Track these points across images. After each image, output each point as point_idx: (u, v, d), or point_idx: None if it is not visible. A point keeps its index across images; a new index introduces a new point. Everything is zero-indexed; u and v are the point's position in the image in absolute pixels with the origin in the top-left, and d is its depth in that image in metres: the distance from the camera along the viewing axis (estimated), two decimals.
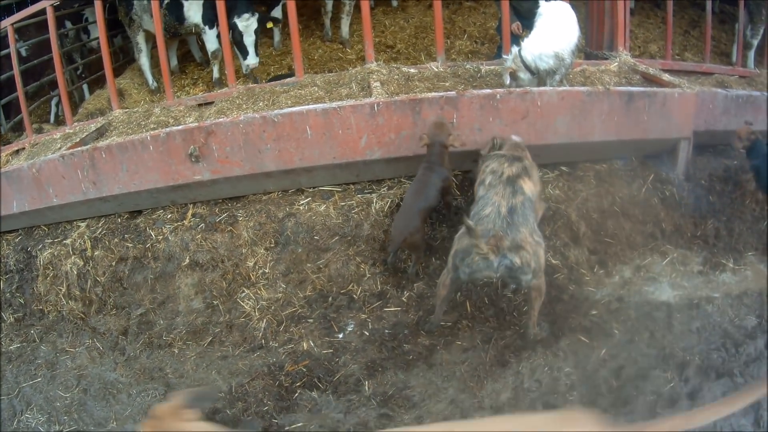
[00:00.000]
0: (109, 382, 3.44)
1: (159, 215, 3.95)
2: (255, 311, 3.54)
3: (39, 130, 5.13)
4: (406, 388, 3.03)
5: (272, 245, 3.69)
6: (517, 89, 3.70)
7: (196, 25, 5.44)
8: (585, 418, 1.63)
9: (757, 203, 4.09)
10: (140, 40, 5.67)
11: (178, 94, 5.34)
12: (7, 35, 4.82)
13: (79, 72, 6.54)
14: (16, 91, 4.92)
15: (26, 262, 4.18)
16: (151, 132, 3.79)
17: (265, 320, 3.49)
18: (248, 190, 3.89)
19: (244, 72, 5.27)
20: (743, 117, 4.21)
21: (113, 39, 6.66)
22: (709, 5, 5.29)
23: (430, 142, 3.44)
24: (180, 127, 3.74)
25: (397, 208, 3.67)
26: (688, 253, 3.79)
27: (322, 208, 3.73)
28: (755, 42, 5.68)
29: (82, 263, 3.93)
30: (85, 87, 6.46)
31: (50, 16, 4.57)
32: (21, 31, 5.19)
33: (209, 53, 5.52)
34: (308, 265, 3.63)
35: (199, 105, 4.49)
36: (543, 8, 3.93)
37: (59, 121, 6.00)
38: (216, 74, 5.54)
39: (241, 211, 3.81)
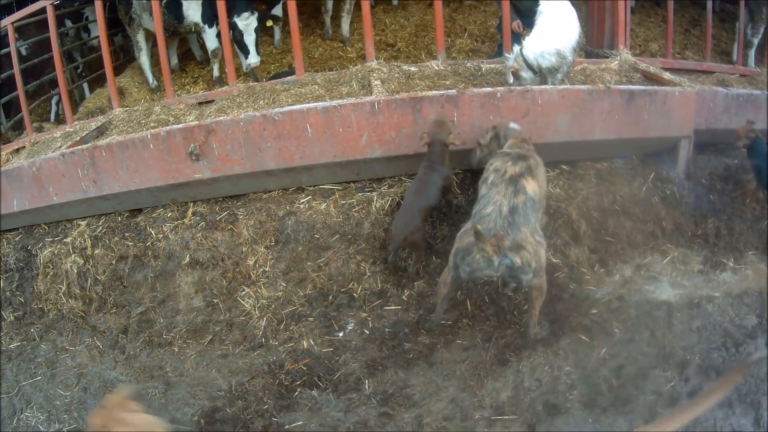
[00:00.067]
0: (109, 381, 3.44)
1: (159, 214, 3.94)
2: (255, 310, 3.54)
3: (39, 129, 5.12)
4: (407, 387, 3.03)
5: (273, 244, 3.69)
6: (518, 87, 3.69)
7: (196, 24, 5.43)
8: None
9: (758, 202, 4.09)
10: (140, 38, 5.67)
11: (179, 92, 5.34)
12: (7, 34, 4.82)
13: (79, 71, 6.53)
14: (17, 89, 4.92)
15: (26, 261, 4.17)
16: (152, 130, 3.79)
17: (265, 319, 3.49)
18: (249, 188, 3.89)
19: (245, 71, 5.26)
20: (744, 116, 4.21)
21: (113, 38, 6.65)
22: (709, 4, 5.29)
23: (430, 141, 3.44)
24: (180, 126, 3.73)
25: (397, 206, 3.67)
26: (689, 252, 3.79)
27: (323, 206, 3.73)
28: (756, 41, 5.68)
29: (83, 262, 3.93)
30: (85, 86, 6.46)
31: (50, 15, 4.57)
32: (21, 30, 5.19)
33: (209, 52, 5.51)
34: (308, 263, 3.63)
35: (200, 103, 4.49)
36: (543, 6, 3.93)
37: (59, 120, 6.00)
38: (216, 73, 5.53)
39: (241, 210, 3.80)
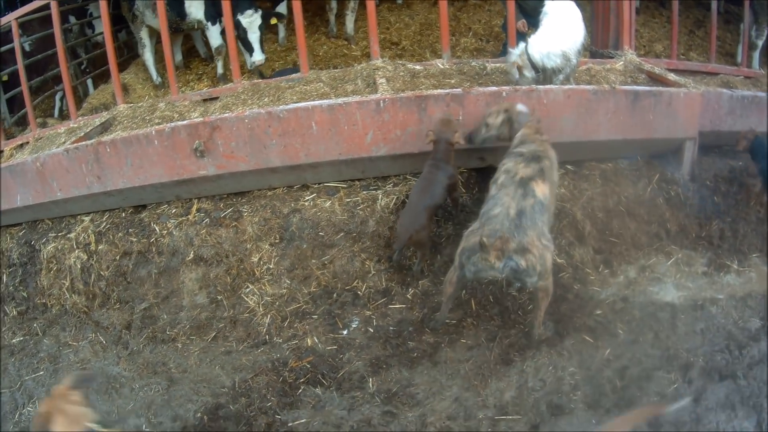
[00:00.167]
0: (111, 377, 3.43)
1: (163, 210, 3.94)
2: (259, 307, 3.54)
3: (43, 125, 5.12)
4: (410, 386, 3.02)
5: (277, 241, 3.68)
6: (523, 87, 3.69)
7: (199, 22, 5.42)
8: None
9: (762, 205, 4.09)
10: (144, 35, 5.67)
11: (183, 89, 5.33)
12: (10, 30, 4.82)
13: (83, 67, 6.53)
14: (20, 85, 4.91)
15: (30, 256, 4.17)
16: (156, 127, 3.78)
17: (269, 316, 3.49)
18: (253, 185, 3.88)
19: (249, 68, 5.25)
20: (748, 118, 4.22)
21: (117, 34, 6.65)
22: (714, 5, 5.29)
23: (436, 139, 3.43)
24: (185, 122, 3.73)
25: (402, 204, 3.66)
26: (693, 254, 3.79)
27: (327, 204, 3.72)
28: (760, 43, 5.68)
29: (86, 257, 3.92)
30: (89, 82, 6.45)
31: (54, 11, 4.56)
32: (24, 26, 5.18)
33: (213, 49, 5.51)
34: (313, 261, 3.62)
35: (204, 100, 4.48)
36: (549, 7, 3.92)
37: (63, 116, 6.00)
38: (220, 70, 5.53)
39: (245, 207, 3.80)
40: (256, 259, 3.65)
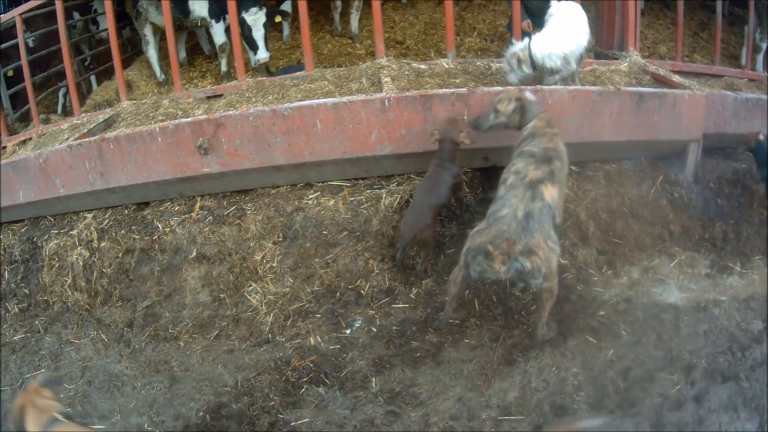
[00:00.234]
0: (113, 375, 3.43)
1: (166, 207, 3.94)
2: (262, 305, 3.53)
3: (46, 121, 5.12)
4: (414, 386, 3.02)
5: (280, 239, 3.68)
6: (528, 87, 3.68)
7: (203, 19, 5.41)
8: None
9: (765, 208, 4.08)
10: (147, 32, 5.65)
11: (187, 86, 5.32)
12: (14, 26, 4.81)
13: (86, 63, 6.51)
14: (23, 81, 4.90)
15: (31, 253, 4.17)
16: (160, 124, 3.78)
17: (272, 314, 3.48)
18: (257, 183, 3.88)
19: (253, 66, 5.24)
20: (752, 120, 4.21)
21: (121, 31, 6.63)
22: (719, 7, 5.28)
23: (441, 138, 3.43)
24: (189, 119, 3.73)
25: (406, 204, 3.66)
26: (696, 256, 3.78)
27: (331, 202, 3.72)
28: (764, 45, 5.68)
29: (88, 254, 3.92)
30: (92, 78, 6.44)
31: (59, 7, 4.55)
32: (28, 22, 5.16)
33: (217, 47, 5.49)
34: (316, 259, 3.62)
35: (208, 98, 4.48)
36: (554, 8, 3.92)
37: (67, 112, 5.98)
38: (224, 68, 5.52)
39: (249, 205, 3.79)
40: (259, 258, 3.64)
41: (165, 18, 4.48)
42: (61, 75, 5.67)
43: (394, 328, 3.34)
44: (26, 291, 4.10)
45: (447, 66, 4.25)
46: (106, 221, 4.00)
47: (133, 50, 6.76)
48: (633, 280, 3.58)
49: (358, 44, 6.13)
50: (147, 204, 4.03)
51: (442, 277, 3.50)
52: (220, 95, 4.41)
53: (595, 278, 3.56)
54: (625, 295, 3.46)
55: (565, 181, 3.17)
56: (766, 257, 3.81)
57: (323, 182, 3.87)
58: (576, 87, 3.81)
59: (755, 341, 3.13)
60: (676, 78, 4.20)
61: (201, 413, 3.04)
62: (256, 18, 5.04)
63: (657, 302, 3.42)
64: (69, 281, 3.92)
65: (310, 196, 3.78)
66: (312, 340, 3.33)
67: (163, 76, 5.73)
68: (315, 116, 3.57)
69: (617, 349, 3.09)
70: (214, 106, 4.17)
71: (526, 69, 3.76)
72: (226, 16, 5.21)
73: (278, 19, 5.47)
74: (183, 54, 6.07)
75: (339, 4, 6.28)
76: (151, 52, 5.70)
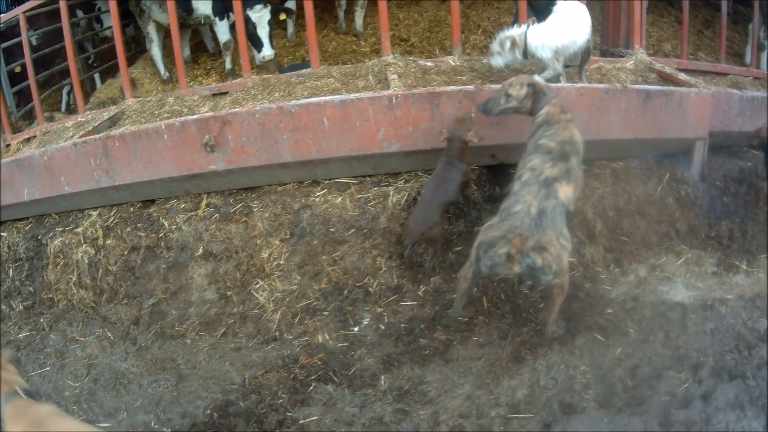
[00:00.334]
0: (119, 372, 3.42)
1: (172, 205, 3.92)
2: (269, 303, 3.52)
3: (50, 119, 5.09)
4: (422, 383, 3.01)
5: (287, 237, 3.67)
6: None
7: (206, 17, 5.39)
8: None
9: None
10: (151, 30, 5.63)
11: (191, 84, 5.30)
12: (17, 24, 4.79)
13: (90, 61, 6.49)
14: (27, 79, 4.89)
15: (36, 250, 4.16)
16: (166, 121, 3.77)
17: (279, 312, 3.47)
18: (264, 180, 3.87)
19: (258, 63, 5.22)
20: (758, 119, 4.21)
21: (125, 29, 6.60)
22: (724, 5, 5.27)
23: (449, 137, 3.42)
24: (195, 117, 3.71)
25: (413, 201, 3.65)
26: (703, 254, 3.78)
27: (338, 200, 3.71)
28: None
29: (94, 252, 3.91)
30: (96, 76, 6.42)
31: (63, 5, 4.53)
32: (31, 20, 5.15)
33: (221, 44, 5.48)
34: (324, 257, 3.60)
35: (214, 95, 4.46)
36: (558, 5, 3.92)
37: (70, 110, 5.97)
38: (228, 65, 5.50)
39: (256, 202, 3.78)
40: (266, 255, 3.63)
41: (170, 16, 4.46)
42: (65, 73, 5.65)
43: (403, 325, 3.33)
44: (31, 289, 4.09)
45: (453, 63, 4.24)
46: (112, 219, 3.98)
47: (136, 48, 6.73)
48: (640, 278, 3.58)
49: (362, 42, 6.11)
50: (153, 201, 4.02)
51: (450, 274, 3.49)
52: (226, 93, 4.39)
53: (602, 276, 3.56)
54: (633, 293, 3.45)
55: (581, 175, 3.13)
56: None
57: (330, 179, 3.86)
58: (583, 84, 3.81)
59: (761, 340, 3.14)
60: (682, 76, 4.18)
61: (208, 411, 3.03)
62: (260, 15, 5.02)
63: (664, 300, 3.42)
64: (74, 279, 3.91)
65: (317, 194, 3.77)
66: (320, 338, 3.33)
67: (167, 74, 5.71)
68: (322, 113, 3.56)
69: (625, 347, 3.09)
70: (219, 104, 4.15)
71: (518, 54, 3.76)
72: (230, 14, 5.20)
73: (283, 16, 5.44)
74: (187, 52, 6.05)
75: (343, 2, 6.26)
76: (155, 50, 5.68)
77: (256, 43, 5.08)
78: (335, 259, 3.60)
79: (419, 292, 3.46)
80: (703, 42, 6.18)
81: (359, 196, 3.72)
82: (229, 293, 3.62)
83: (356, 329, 3.36)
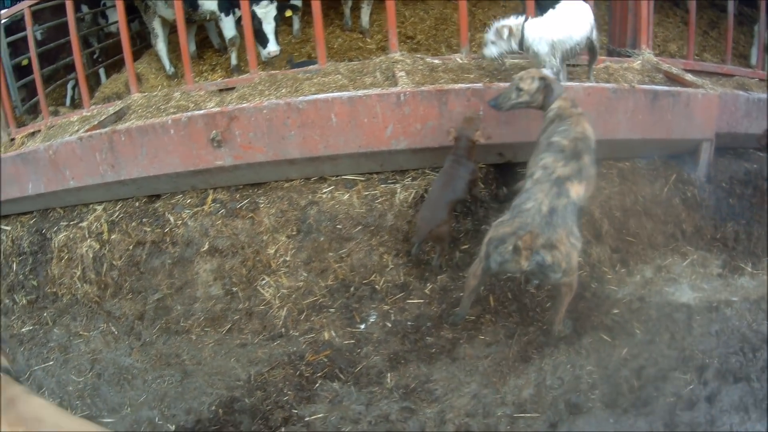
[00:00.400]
0: (123, 368, 3.41)
1: (178, 200, 3.91)
2: (275, 299, 3.51)
3: (55, 113, 5.08)
4: (429, 382, 3.01)
5: (294, 233, 3.66)
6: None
7: (212, 13, 5.37)
8: None
9: None
10: (156, 25, 5.61)
11: (197, 79, 5.28)
12: (22, 18, 4.77)
13: (95, 56, 6.48)
14: (32, 74, 4.87)
15: (40, 244, 4.15)
16: (173, 116, 3.75)
17: (285, 309, 3.46)
18: (270, 176, 3.85)
19: (263, 59, 5.21)
20: (764, 121, 4.21)
21: (130, 24, 6.56)
22: (730, 6, 5.26)
23: (457, 136, 3.42)
24: (202, 112, 3.70)
25: (421, 199, 3.64)
26: (708, 256, 3.78)
27: (345, 197, 3.70)
28: None
29: (98, 246, 3.89)
30: (101, 71, 6.41)
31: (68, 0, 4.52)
32: (35, 15, 5.13)
33: (227, 40, 5.46)
34: (330, 254, 3.59)
35: (220, 91, 4.44)
36: (561, 4, 3.92)
37: (75, 105, 5.95)
38: (234, 61, 5.48)
39: (262, 198, 3.77)
40: (272, 251, 3.62)
41: (176, 11, 4.45)
42: (70, 68, 5.63)
43: (409, 323, 3.32)
44: (35, 283, 4.08)
45: (461, 61, 4.24)
46: (117, 213, 3.97)
47: (141, 43, 6.71)
48: (646, 278, 3.58)
49: (368, 38, 6.09)
50: (158, 196, 4.01)
51: (457, 272, 3.49)
52: (232, 88, 4.38)
53: (608, 276, 3.55)
54: (639, 294, 3.45)
55: (594, 173, 3.12)
56: None
57: (337, 176, 3.85)
58: (591, 84, 3.81)
59: (765, 342, 3.14)
60: (689, 77, 4.19)
61: (213, 407, 3.02)
62: (266, 11, 4.99)
63: (670, 301, 3.42)
64: (78, 273, 3.90)
65: (324, 190, 3.76)
66: (326, 335, 3.32)
67: (172, 70, 5.69)
68: (330, 110, 3.55)
69: (631, 348, 3.08)
70: (226, 99, 4.14)
71: (514, 43, 3.76)
72: (236, 10, 5.19)
73: (288, 13, 5.41)
74: (193, 47, 6.02)
75: None
76: (160, 46, 5.66)
77: (261, 39, 5.06)
78: (342, 256, 3.59)
79: (426, 290, 3.46)
80: (708, 43, 6.17)
81: (366, 193, 3.71)
82: (234, 289, 3.61)
83: (363, 327, 3.35)
